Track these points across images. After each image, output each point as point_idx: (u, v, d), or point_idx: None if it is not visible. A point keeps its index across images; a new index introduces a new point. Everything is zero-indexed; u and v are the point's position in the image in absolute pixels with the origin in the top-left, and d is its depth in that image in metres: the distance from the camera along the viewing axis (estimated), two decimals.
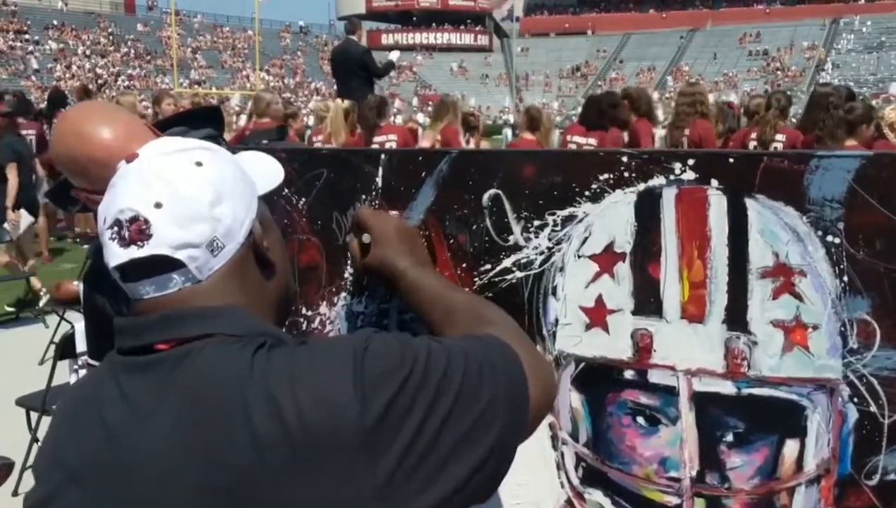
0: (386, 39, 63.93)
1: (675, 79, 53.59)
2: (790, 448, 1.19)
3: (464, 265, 1.41)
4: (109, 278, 1.02)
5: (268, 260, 1.07)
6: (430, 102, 25.02)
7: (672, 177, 1.24)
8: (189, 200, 0.98)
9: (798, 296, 1.17)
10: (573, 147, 6.40)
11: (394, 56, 9.74)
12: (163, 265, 0.97)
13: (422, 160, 1.44)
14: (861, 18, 57.29)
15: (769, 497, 1.20)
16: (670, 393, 1.26)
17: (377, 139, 6.47)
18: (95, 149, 1.55)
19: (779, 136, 5.81)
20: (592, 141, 6.37)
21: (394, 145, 7.05)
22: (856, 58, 53.80)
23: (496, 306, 1.20)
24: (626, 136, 6.60)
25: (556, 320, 1.34)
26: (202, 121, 1.88)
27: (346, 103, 7.32)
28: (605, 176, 1.28)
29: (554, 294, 1.34)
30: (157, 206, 0.97)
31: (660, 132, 7.34)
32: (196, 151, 1.03)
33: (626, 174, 1.27)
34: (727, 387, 1.22)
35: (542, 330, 1.35)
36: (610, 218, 1.29)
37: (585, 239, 1.31)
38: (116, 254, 0.98)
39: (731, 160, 1.20)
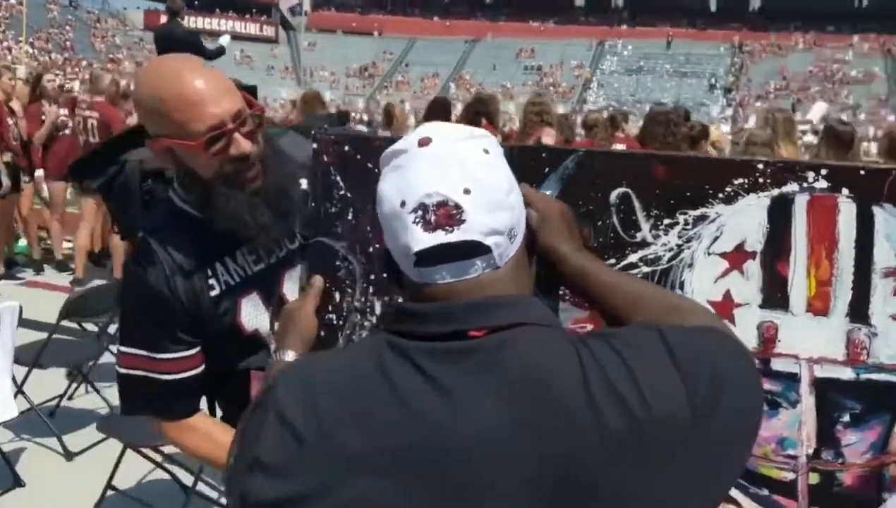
0: (164, 21, 60.77)
1: (457, 86, 55.50)
2: None
3: None
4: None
5: (533, 246, 1.08)
6: None
7: (805, 185, 1.37)
8: (491, 188, 0.98)
9: None
10: None
11: (224, 41, 9.39)
12: (468, 251, 0.97)
13: (546, 156, 1.48)
14: (623, 42, 62.40)
15: (880, 468, 1.37)
16: (792, 379, 1.39)
17: None
18: (189, 91, 1.47)
19: (618, 145, 6.28)
20: None
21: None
22: (618, 79, 58.52)
23: (676, 293, 1.27)
24: None
25: None
26: None
27: None
28: (740, 180, 1.39)
29: (681, 288, 1.43)
30: (466, 192, 0.96)
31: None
32: (481, 139, 1.03)
33: (760, 180, 1.39)
34: (847, 373, 1.37)
35: None
36: (743, 219, 1.40)
37: (716, 237, 1.41)
38: (419, 239, 0.96)
39: (862, 172, 1.36)
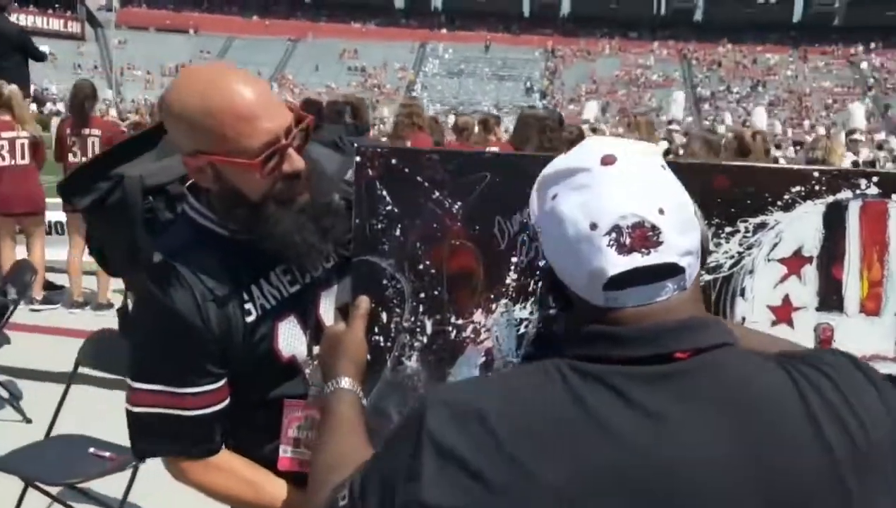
0: None
1: (280, 85, 54.49)
2: None
3: None
4: None
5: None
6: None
7: (858, 191, 1.43)
8: (682, 206, 0.95)
9: None
10: None
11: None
12: (662, 273, 0.93)
13: None
14: (445, 46, 63.65)
15: None
16: None
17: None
18: (242, 105, 1.34)
19: (493, 148, 6.38)
20: None
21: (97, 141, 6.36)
22: (441, 81, 59.61)
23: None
24: None
25: (743, 319, 1.46)
26: None
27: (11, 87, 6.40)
28: (798, 188, 1.44)
29: (742, 295, 1.46)
30: (661, 212, 0.93)
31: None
32: (656, 155, 0.99)
33: (816, 187, 1.43)
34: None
35: None
36: (800, 225, 1.44)
37: (776, 244, 1.45)
38: (614, 263, 0.91)
39: None
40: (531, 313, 1.48)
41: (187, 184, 1.55)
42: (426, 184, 1.46)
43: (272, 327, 1.48)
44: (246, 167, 1.36)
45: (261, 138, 1.35)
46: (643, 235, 0.91)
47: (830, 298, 1.44)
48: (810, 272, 1.44)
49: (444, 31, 65.51)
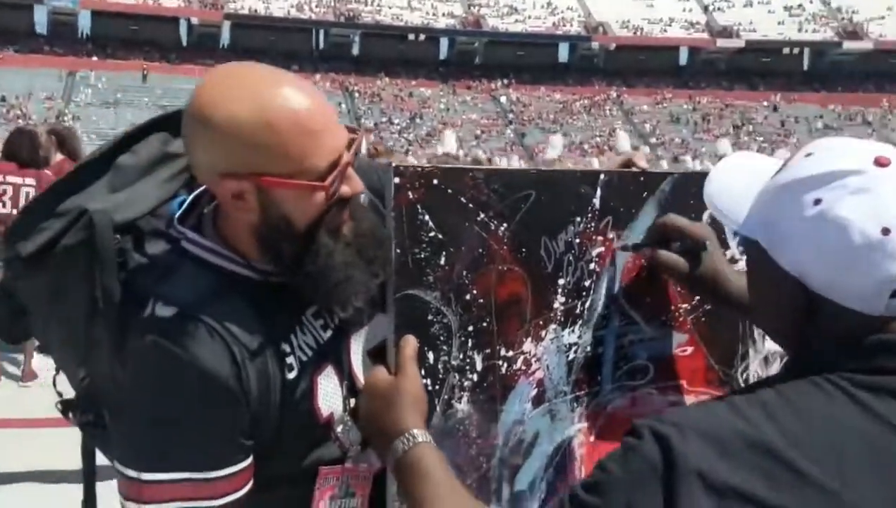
0: None
1: None
2: None
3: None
4: None
5: None
6: None
7: None
8: None
9: None
10: (9, 188, 5.52)
11: None
12: None
13: (643, 180, 1.43)
14: (97, 74, 59.33)
15: None
16: None
17: None
18: (308, 116, 1.13)
19: None
20: (30, 180, 5.58)
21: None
22: (95, 111, 55.39)
23: None
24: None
25: None
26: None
27: None
28: None
29: None
30: None
31: None
32: None
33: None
34: None
35: (753, 334, 1.50)
36: None
37: None
38: None
39: None
40: (579, 337, 1.40)
41: (177, 215, 1.25)
42: (471, 205, 1.32)
43: (311, 382, 1.23)
44: (311, 190, 1.13)
45: (327, 156, 1.14)
46: None
47: None
48: None
49: (94, 58, 61.02)
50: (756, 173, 1.05)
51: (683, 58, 65.34)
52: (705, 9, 66.31)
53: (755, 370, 1.50)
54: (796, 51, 64.06)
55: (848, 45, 61.37)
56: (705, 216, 1.46)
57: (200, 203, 1.29)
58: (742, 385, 1.48)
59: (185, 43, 65.70)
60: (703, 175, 1.54)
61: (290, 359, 1.21)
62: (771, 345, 1.51)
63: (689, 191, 1.45)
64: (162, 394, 1.14)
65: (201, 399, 1.13)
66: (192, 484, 1.14)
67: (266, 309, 1.19)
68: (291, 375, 1.21)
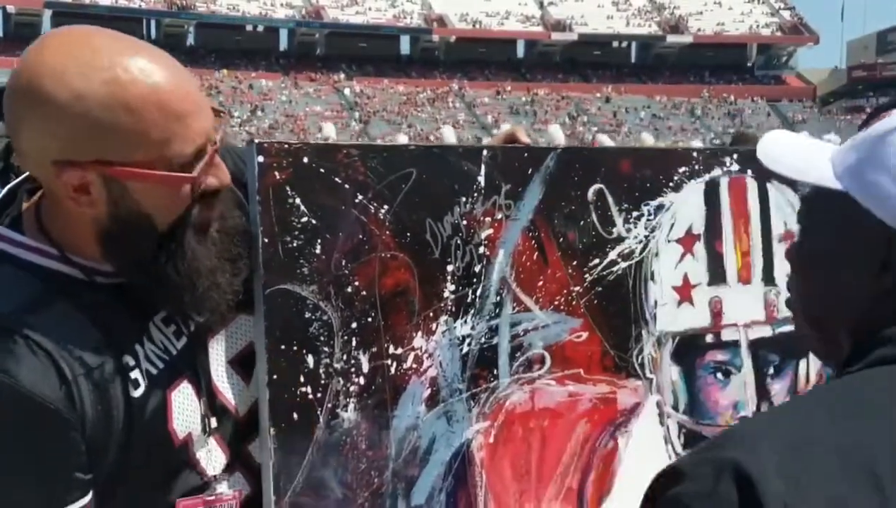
0: None
1: None
2: (802, 367, 1.60)
3: (574, 263, 1.37)
4: None
5: None
6: None
7: (725, 169, 1.51)
8: None
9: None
10: None
11: None
12: None
13: (528, 156, 1.33)
14: None
15: None
16: (736, 346, 1.52)
17: None
18: (173, 96, 0.98)
19: None
20: None
21: None
22: None
23: None
24: None
25: (656, 302, 1.44)
26: None
27: None
28: (683, 169, 1.46)
29: (652, 278, 1.44)
30: None
31: None
32: None
33: (696, 167, 1.48)
34: (767, 331, 1.56)
35: (644, 315, 1.44)
36: (688, 205, 1.47)
37: (672, 225, 1.46)
38: None
39: None
40: (473, 328, 1.28)
41: None
42: (347, 186, 1.17)
43: (164, 399, 1.05)
44: (177, 183, 0.96)
45: (193, 141, 0.98)
46: None
47: (717, 272, 1.50)
48: (700, 249, 1.48)
49: None
50: (810, 140, 1.01)
51: (520, 50, 66.99)
52: (540, 3, 68.32)
53: (649, 352, 1.44)
54: (624, 44, 67.04)
55: (671, 38, 64.82)
56: (590, 192, 1.38)
57: (16, 197, 1.08)
58: (637, 369, 1.42)
59: (1, 33, 61.06)
60: (584, 150, 1.47)
61: (135, 374, 1.02)
62: (663, 326, 1.45)
63: (573, 165, 1.36)
64: None
65: (25, 427, 0.93)
66: None
67: (103, 317, 1.00)
68: (137, 392, 1.02)
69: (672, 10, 68.16)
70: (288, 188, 1.12)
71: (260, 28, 65.63)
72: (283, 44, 69.29)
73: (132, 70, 0.94)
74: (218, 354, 1.15)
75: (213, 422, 1.11)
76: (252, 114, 58.41)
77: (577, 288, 1.37)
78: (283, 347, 1.12)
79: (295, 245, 1.13)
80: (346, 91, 63.80)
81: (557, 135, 8.97)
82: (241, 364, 1.15)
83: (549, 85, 63.19)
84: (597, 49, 66.25)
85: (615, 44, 67.23)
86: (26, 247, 1.01)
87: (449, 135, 13.26)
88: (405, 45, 68.54)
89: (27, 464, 0.94)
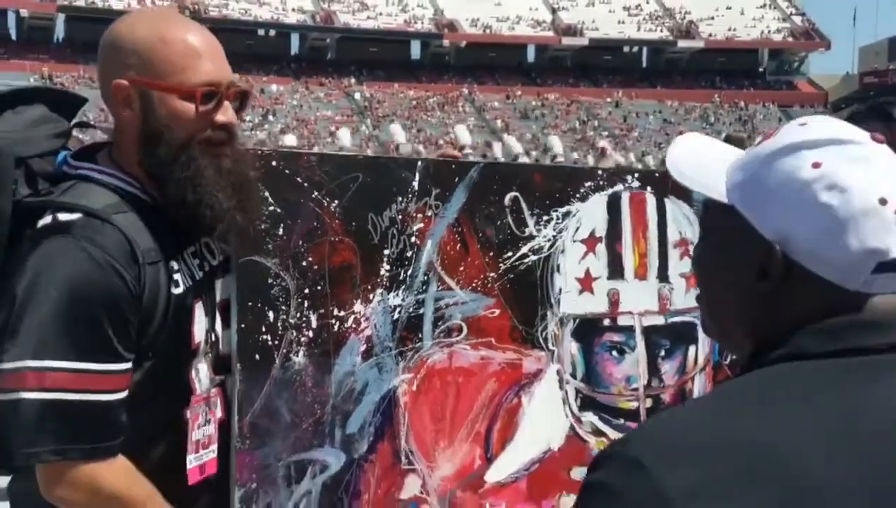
0: None
1: None
2: (691, 351, 1.93)
3: (491, 254, 1.69)
4: None
5: None
6: None
7: (626, 185, 1.84)
8: None
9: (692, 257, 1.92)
10: None
11: None
12: None
13: (455, 168, 1.66)
14: None
15: (682, 385, 1.92)
16: (630, 330, 1.85)
17: None
18: (196, 40, 1.37)
19: None
20: None
21: None
22: None
23: None
24: None
25: (560, 289, 1.77)
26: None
27: None
28: (589, 183, 1.79)
29: (558, 270, 1.76)
30: None
31: None
32: None
33: (601, 182, 1.80)
34: (660, 320, 1.88)
35: (550, 299, 1.76)
36: (592, 213, 1.80)
37: (577, 228, 1.78)
38: None
39: (656, 174, 1.88)
40: (403, 300, 1.61)
41: (74, 152, 1.41)
42: (306, 184, 1.51)
43: (192, 305, 1.38)
44: (179, 95, 1.33)
45: (204, 76, 1.35)
46: None
47: (616, 268, 1.82)
48: (602, 249, 1.81)
49: None
50: (719, 149, 1.03)
51: (531, 55, 67.14)
52: (551, 8, 68.52)
53: (553, 329, 1.76)
54: (636, 49, 67.09)
55: (682, 43, 64.86)
56: (507, 198, 1.70)
57: (90, 152, 1.43)
58: (541, 342, 1.75)
59: (14, 37, 61.49)
60: (503, 165, 1.80)
61: (178, 276, 1.36)
62: (566, 309, 1.78)
63: (493, 177, 1.69)
64: (48, 279, 1.24)
65: (93, 287, 1.24)
66: (76, 376, 1.23)
67: (158, 231, 1.34)
68: (177, 291, 1.35)
69: (683, 15, 67.81)
70: (259, 184, 1.46)
71: (271, 33, 65.88)
72: (295, 48, 69.48)
73: (176, 23, 1.36)
74: (218, 294, 1.48)
75: (213, 337, 1.43)
76: (263, 118, 58.65)
77: (493, 274, 1.70)
78: (250, 304, 1.45)
79: (263, 227, 1.46)
80: (357, 95, 64.01)
81: (463, 135, 9.75)
82: (225, 310, 1.47)
83: (559, 89, 62.79)
84: (607, 54, 65.82)
85: (626, 49, 66.87)
86: (102, 171, 1.36)
87: (463, 135, 13.58)
88: (416, 50, 68.60)
89: (92, 318, 1.24)
